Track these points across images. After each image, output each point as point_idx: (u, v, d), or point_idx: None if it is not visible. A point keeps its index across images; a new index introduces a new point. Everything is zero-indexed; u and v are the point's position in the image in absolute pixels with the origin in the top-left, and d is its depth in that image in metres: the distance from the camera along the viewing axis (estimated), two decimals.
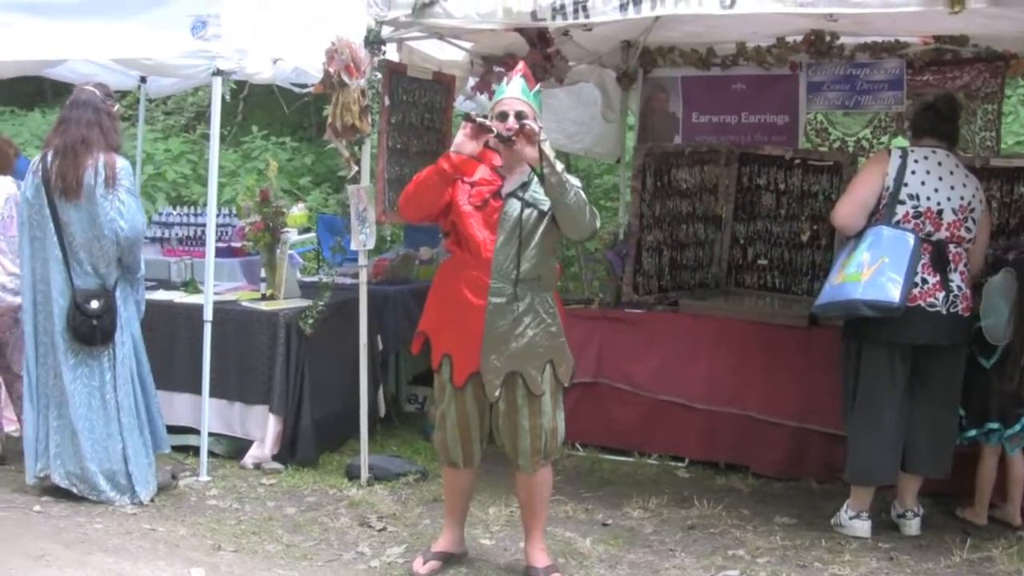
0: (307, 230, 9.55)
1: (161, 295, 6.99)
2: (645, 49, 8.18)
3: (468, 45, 7.05)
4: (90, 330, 5.81)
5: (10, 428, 6.78)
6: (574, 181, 4.79)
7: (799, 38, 7.57)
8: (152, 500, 6.01)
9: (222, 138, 13.00)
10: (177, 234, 8.19)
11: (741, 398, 6.52)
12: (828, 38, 7.47)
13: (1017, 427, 5.73)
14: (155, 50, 6.35)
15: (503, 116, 4.80)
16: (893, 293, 5.26)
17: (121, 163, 5.86)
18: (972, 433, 5.79)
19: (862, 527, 5.65)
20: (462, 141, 4.75)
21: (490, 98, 7.51)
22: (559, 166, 4.71)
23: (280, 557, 5.32)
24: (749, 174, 7.12)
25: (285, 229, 7.12)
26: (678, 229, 7.03)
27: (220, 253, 7.78)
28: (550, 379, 4.92)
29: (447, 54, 7.01)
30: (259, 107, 12.85)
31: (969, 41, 7.25)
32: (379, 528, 5.71)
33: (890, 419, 5.54)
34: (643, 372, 6.75)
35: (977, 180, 5.63)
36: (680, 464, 6.75)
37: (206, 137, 12.66)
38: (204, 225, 8.03)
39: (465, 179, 4.86)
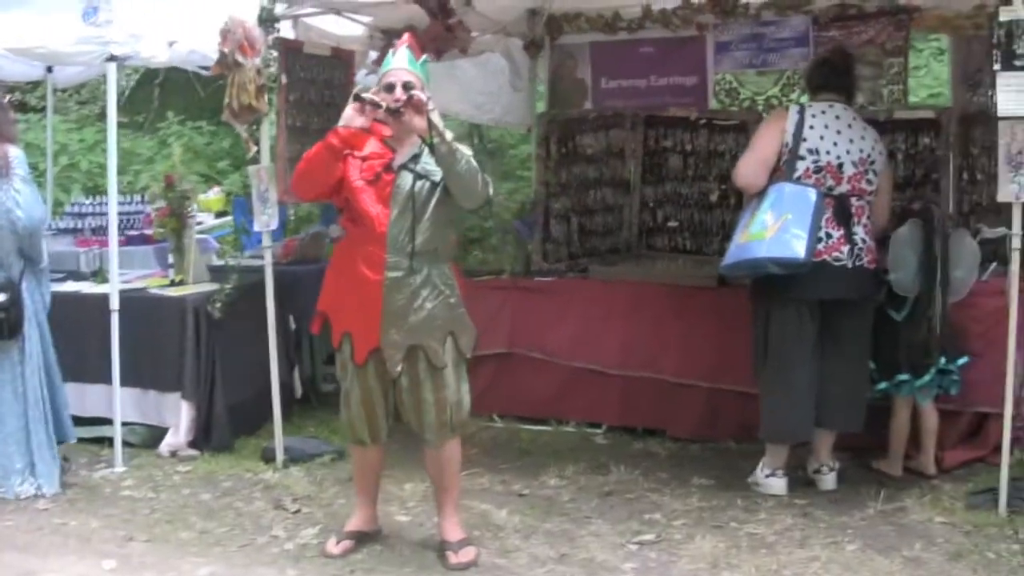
0: (224, 213, 9.51)
1: (69, 286, 6.86)
2: (551, 16, 8.12)
3: (367, 19, 6.97)
4: None
5: None
6: (465, 150, 4.74)
7: None
8: (65, 493, 5.92)
9: (138, 125, 12.94)
10: (91, 224, 8.03)
11: (655, 362, 6.52)
12: None
13: (927, 377, 5.76)
14: (48, 38, 6.25)
15: (390, 87, 4.75)
16: (798, 249, 5.26)
17: (14, 152, 5.77)
18: (883, 386, 5.83)
19: (778, 484, 5.68)
20: (351, 115, 4.70)
21: None
22: (448, 135, 4.67)
23: (193, 544, 5.26)
24: (655, 137, 7.12)
25: (194, 213, 7.02)
26: (585, 195, 7.01)
27: (133, 241, 7.70)
28: (452, 351, 4.88)
29: (345, 29, 6.93)
30: (175, 92, 12.67)
31: None
32: (294, 510, 5.66)
33: (801, 376, 5.56)
34: (556, 340, 6.73)
35: (876, 132, 5.64)
36: (598, 431, 6.74)
37: (122, 126, 12.56)
38: (126, 214, 7.97)
39: (356, 154, 4.80)
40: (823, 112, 5.51)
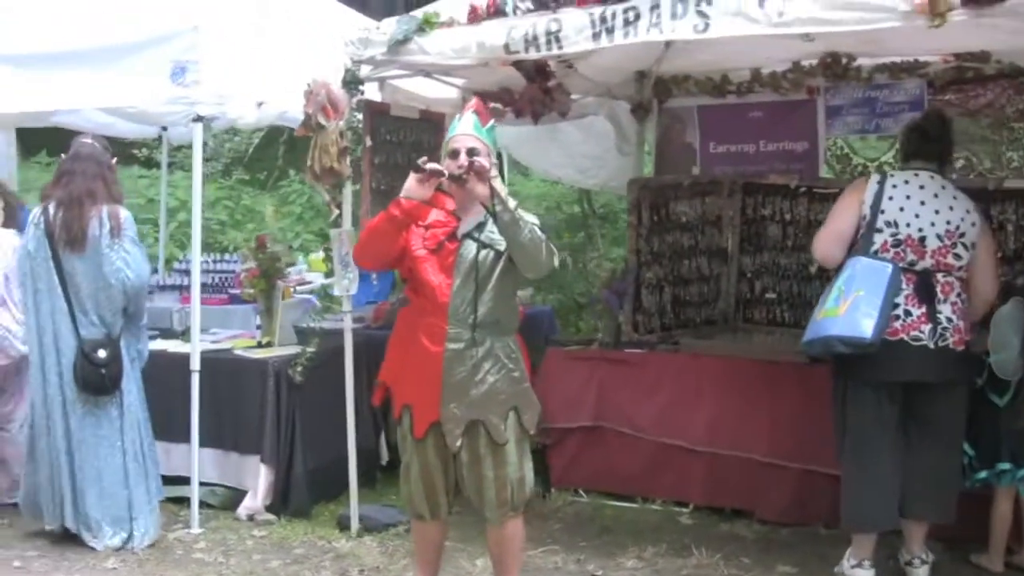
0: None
1: (158, 344, 6.88)
2: (659, 79, 7.98)
3: (460, 82, 6.89)
4: (98, 379, 5.87)
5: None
6: (529, 218, 4.60)
7: (815, 62, 7.32)
8: (136, 553, 5.92)
9: (261, 183, 13.11)
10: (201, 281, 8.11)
11: (744, 440, 6.23)
12: (844, 60, 7.20)
13: None
14: (137, 98, 6.29)
15: (455, 154, 4.64)
16: (866, 328, 4.97)
17: (124, 214, 5.94)
18: (983, 475, 5.44)
19: None
20: (412, 186, 4.58)
21: None
22: (511, 203, 4.54)
23: None
24: (754, 204, 6.87)
25: (289, 274, 7.01)
26: (680, 264, 6.78)
27: (236, 300, 7.75)
28: (514, 427, 4.70)
29: (437, 92, 6.85)
30: (300, 150, 12.84)
31: (992, 58, 6.88)
32: None
33: (883, 461, 5.23)
34: (644, 415, 6.50)
35: (970, 202, 5.28)
36: (684, 510, 6.46)
37: (243, 183, 12.76)
38: (231, 272, 8.04)
39: (419, 223, 4.69)
40: (906, 182, 5.21)
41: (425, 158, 4.74)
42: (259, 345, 6.82)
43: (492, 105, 7.07)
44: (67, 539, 6.03)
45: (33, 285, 5.95)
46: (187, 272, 8.30)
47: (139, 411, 6.07)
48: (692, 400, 6.38)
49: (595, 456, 6.67)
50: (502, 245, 4.62)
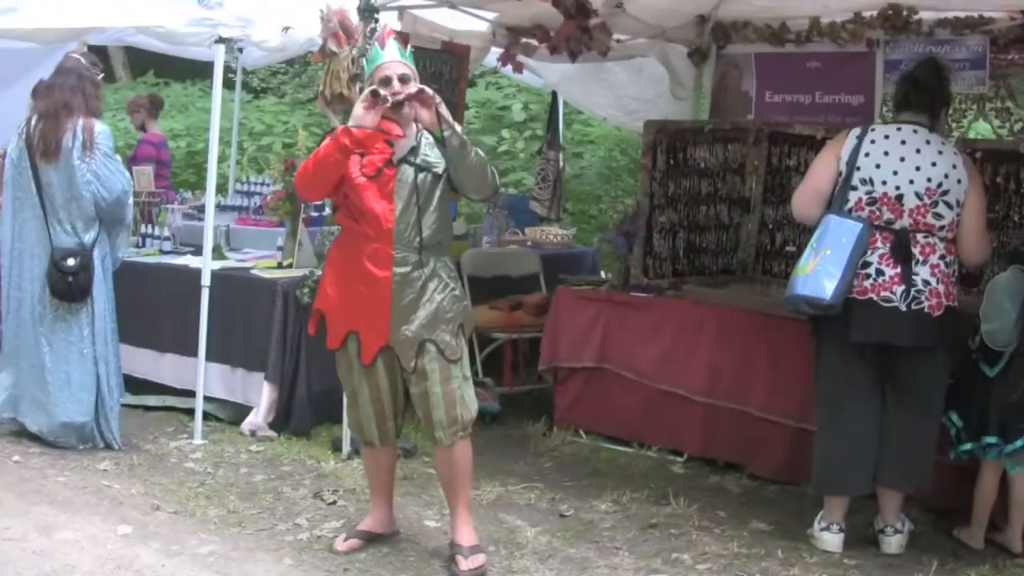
0: None
1: (187, 259, 7.06)
2: (718, 24, 7.81)
3: (491, 16, 6.84)
4: (66, 287, 6.06)
5: None
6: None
7: (875, 13, 7.05)
8: (130, 456, 6.14)
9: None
10: (256, 203, 8.27)
11: (741, 393, 6.09)
12: (905, 13, 6.92)
13: (1019, 442, 5.11)
14: (165, 18, 6.47)
15: (386, 81, 4.67)
16: (827, 288, 4.83)
17: (99, 127, 6.09)
18: (968, 447, 5.20)
19: (831, 540, 5.19)
20: (361, 114, 4.61)
21: (515, 70, 7.36)
22: (458, 127, 4.63)
23: (213, 523, 5.32)
24: (779, 154, 6.66)
25: None
26: (696, 210, 6.63)
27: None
28: (461, 343, 4.78)
29: (462, 24, 6.83)
30: None
31: None
32: (330, 502, 5.63)
33: (854, 423, 5.08)
34: (646, 360, 6.41)
35: (959, 158, 5.02)
36: (679, 459, 6.37)
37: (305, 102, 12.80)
38: None
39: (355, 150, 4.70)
40: (886, 137, 4.99)
41: (375, 86, 4.74)
42: (279, 266, 6.92)
43: (524, 40, 7.05)
44: None
45: (12, 193, 6.17)
46: (247, 194, 8.52)
47: (108, 320, 6.23)
48: (692, 348, 6.27)
49: (597, 398, 6.63)
50: (439, 167, 4.70)
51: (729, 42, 7.91)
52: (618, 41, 7.53)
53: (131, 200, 6.36)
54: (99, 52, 7.43)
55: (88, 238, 6.11)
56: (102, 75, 6.39)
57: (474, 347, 7.17)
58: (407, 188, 4.66)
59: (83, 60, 6.23)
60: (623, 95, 8.20)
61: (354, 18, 6.08)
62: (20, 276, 6.15)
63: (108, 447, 6.22)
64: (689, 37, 7.93)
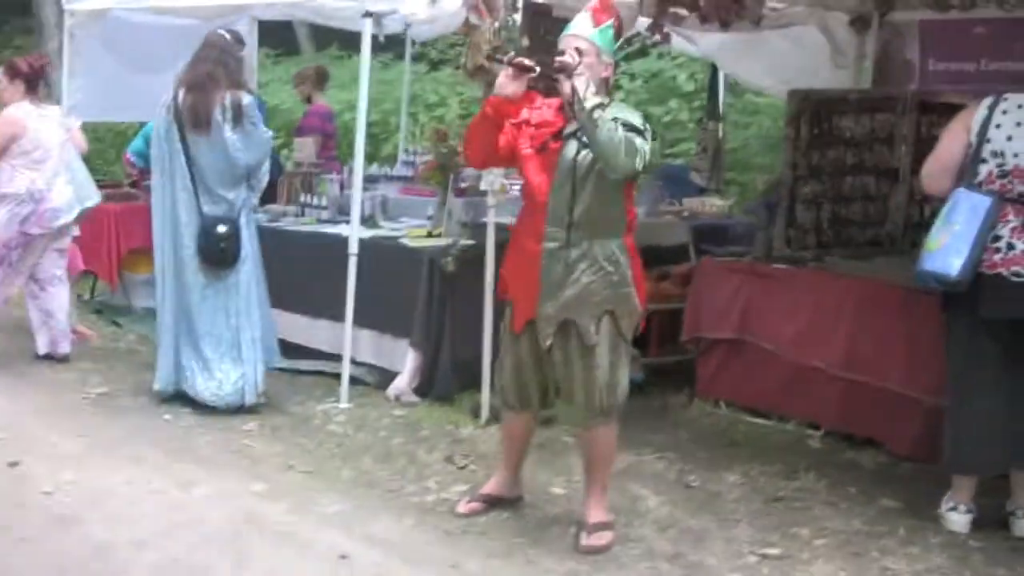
0: None
1: (339, 229, 7.26)
2: None
3: None
4: (219, 253, 6.38)
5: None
6: (618, 115, 4.55)
7: None
8: (274, 418, 6.43)
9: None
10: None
11: (880, 368, 5.94)
12: None
13: None
14: None
15: (562, 55, 4.65)
16: (954, 265, 4.71)
17: (247, 99, 6.36)
18: None
19: (958, 520, 5.06)
20: (502, 82, 4.67)
21: (663, 40, 7.32)
22: (591, 102, 4.49)
23: (344, 483, 5.53)
24: (928, 123, 6.45)
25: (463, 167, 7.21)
26: (841, 181, 6.49)
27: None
28: (608, 330, 4.73)
29: None
30: None
31: None
32: (460, 466, 5.77)
33: (984, 402, 4.94)
34: (785, 332, 6.31)
35: None
36: (817, 433, 6.28)
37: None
38: None
39: (530, 120, 4.76)
40: (1020, 106, 4.80)
41: (512, 53, 4.80)
42: (428, 235, 7.08)
43: (673, 10, 7.00)
44: None
45: (161, 165, 6.45)
46: (413, 164, 8.70)
47: (253, 284, 6.52)
48: (832, 321, 6.14)
49: (738, 369, 6.58)
50: None
51: (892, 9, 7.72)
52: (773, 9, 7.44)
53: (267, 164, 6.63)
54: (284, 26, 7.72)
55: (237, 205, 6.42)
56: (244, 50, 6.67)
57: None
58: (567, 164, 4.64)
59: (227, 35, 6.49)
60: (781, 64, 8.05)
61: None
62: (174, 245, 6.44)
63: (252, 410, 6.48)
64: (850, 4, 7.78)
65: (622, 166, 4.55)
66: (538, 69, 4.62)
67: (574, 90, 4.49)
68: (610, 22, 4.77)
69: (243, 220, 6.46)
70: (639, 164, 4.60)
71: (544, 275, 4.70)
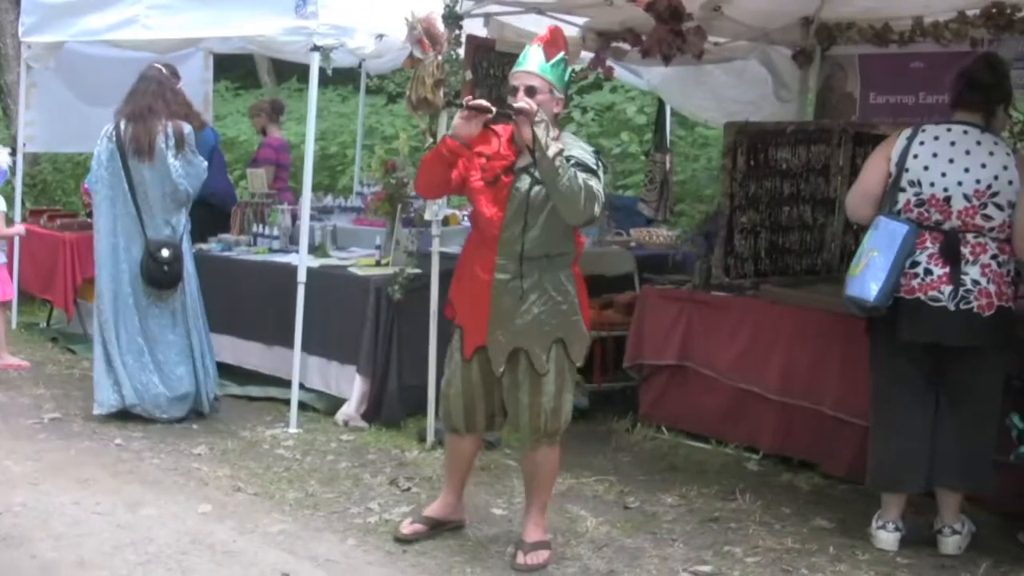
0: None
1: (289, 258, 7.34)
2: (822, 25, 7.85)
3: (581, 21, 6.99)
4: (161, 275, 6.65)
5: None
6: (580, 162, 4.62)
7: (979, 12, 6.97)
8: (225, 443, 6.53)
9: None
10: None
11: (814, 392, 6.12)
12: (1009, 11, 6.82)
13: None
14: (265, 28, 6.89)
15: (513, 91, 4.74)
16: (872, 290, 4.88)
17: (187, 128, 6.68)
18: None
19: (886, 538, 5.21)
20: (458, 123, 4.76)
21: (606, 75, 7.49)
22: (552, 149, 4.55)
23: (290, 504, 5.63)
24: (863, 154, 6.61)
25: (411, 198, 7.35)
26: (779, 211, 6.66)
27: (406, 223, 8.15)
28: (557, 358, 4.85)
29: None
30: None
31: None
32: (404, 488, 5.88)
33: (906, 422, 5.10)
34: (724, 358, 6.49)
35: (1012, 158, 4.99)
36: (755, 456, 6.43)
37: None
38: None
39: (483, 153, 4.84)
40: (936, 138, 4.99)
41: (470, 96, 4.91)
42: (376, 264, 7.21)
43: (615, 44, 7.19)
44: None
45: (105, 191, 6.70)
46: (365, 195, 8.83)
47: (197, 302, 6.82)
48: (768, 347, 6.32)
49: (679, 395, 6.74)
50: None
51: (833, 43, 7.96)
52: (716, 44, 7.62)
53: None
54: (244, 60, 7.90)
55: (179, 229, 6.71)
56: (180, 83, 6.95)
57: None
58: (519, 199, 4.73)
59: (163, 69, 6.80)
60: (724, 97, 8.26)
61: (440, 25, 6.31)
62: (116, 267, 6.69)
63: (201, 434, 6.65)
64: (793, 39, 7.97)
65: (581, 213, 4.65)
66: (494, 111, 4.69)
67: (535, 138, 4.56)
68: (561, 55, 4.86)
69: (185, 245, 6.74)
70: (597, 210, 4.70)
71: (495, 304, 4.81)
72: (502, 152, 4.83)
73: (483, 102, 4.74)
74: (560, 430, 4.96)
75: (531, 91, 4.69)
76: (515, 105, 4.63)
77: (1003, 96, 5.18)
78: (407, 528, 5.21)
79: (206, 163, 6.85)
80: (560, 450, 5.04)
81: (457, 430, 5.13)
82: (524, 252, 4.74)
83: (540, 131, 4.56)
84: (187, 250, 6.80)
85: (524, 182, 4.74)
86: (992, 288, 4.93)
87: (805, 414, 6.18)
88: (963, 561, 5.10)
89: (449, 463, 5.33)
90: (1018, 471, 5.30)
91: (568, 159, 4.60)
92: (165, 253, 6.59)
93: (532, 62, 4.78)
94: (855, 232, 6.72)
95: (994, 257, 4.96)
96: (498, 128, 4.89)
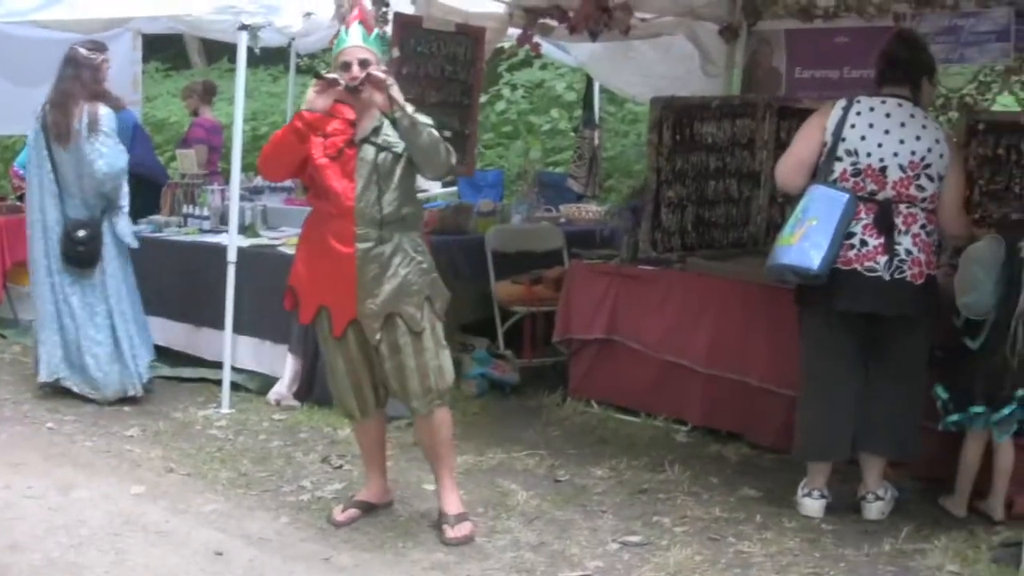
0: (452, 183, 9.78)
1: (219, 238, 7.33)
2: (748, 0, 7.91)
3: None
4: (77, 255, 6.72)
5: None
6: (424, 120, 4.87)
7: None
8: (158, 423, 6.54)
9: None
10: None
11: (741, 363, 6.22)
12: None
13: (1005, 411, 5.18)
14: (192, 7, 6.83)
15: (346, 66, 4.86)
16: (814, 258, 4.95)
17: (103, 111, 6.68)
18: (955, 417, 5.26)
19: (812, 505, 5.32)
20: (311, 98, 4.86)
21: (532, 51, 7.53)
22: (409, 108, 4.82)
23: (222, 484, 5.65)
24: (788, 128, 6.71)
25: None
26: (705, 185, 6.74)
27: None
28: (429, 315, 4.97)
29: (479, 6, 7.01)
30: None
31: None
32: (336, 466, 5.92)
33: (836, 391, 5.21)
34: (652, 332, 6.57)
35: (942, 132, 5.15)
36: (683, 428, 6.52)
37: None
38: None
39: (319, 131, 4.92)
40: (871, 109, 5.08)
41: (326, 70, 4.97)
42: None
43: (542, 21, 7.22)
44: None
45: (32, 172, 6.80)
46: None
47: (121, 283, 6.84)
48: (695, 320, 6.41)
49: (608, 369, 6.81)
50: (399, 147, 4.88)
51: (759, 19, 8.05)
52: (642, 20, 7.68)
53: (124, 180, 6.85)
54: (174, 40, 7.84)
55: (97, 212, 6.75)
56: (104, 60, 6.85)
57: (496, 320, 7.43)
58: (368, 167, 4.84)
59: (81, 49, 6.75)
60: (651, 73, 8.32)
61: (368, 2, 6.31)
62: (44, 245, 6.77)
63: (133, 416, 6.65)
64: (719, 14, 8.06)
65: (443, 164, 4.98)
66: (343, 83, 4.81)
67: (392, 99, 4.77)
68: (377, 30, 5.17)
69: (105, 226, 6.76)
70: (453, 160, 5.06)
71: (360, 275, 4.87)
72: (339, 128, 4.92)
73: (330, 74, 4.86)
74: (448, 389, 5.06)
75: (364, 63, 4.85)
76: (371, 73, 4.79)
77: (924, 68, 5.30)
78: (340, 516, 5.20)
79: (123, 146, 6.81)
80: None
81: (353, 416, 5.20)
82: (384, 217, 4.85)
83: (395, 92, 4.81)
84: (123, 232, 6.82)
85: (369, 151, 4.87)
86: (923, 257, 5.05)
87: (732, 386, 6.28)
88: (886, 526, 5.21)
89: (362, 450, 5.40)
90: (940, 436, 5.41)
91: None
92: (81, 233, 6.66)
93: (357, 37, 4.94)
94: (780, 205, 6.84)
95: (923, 227, 5.08)
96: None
